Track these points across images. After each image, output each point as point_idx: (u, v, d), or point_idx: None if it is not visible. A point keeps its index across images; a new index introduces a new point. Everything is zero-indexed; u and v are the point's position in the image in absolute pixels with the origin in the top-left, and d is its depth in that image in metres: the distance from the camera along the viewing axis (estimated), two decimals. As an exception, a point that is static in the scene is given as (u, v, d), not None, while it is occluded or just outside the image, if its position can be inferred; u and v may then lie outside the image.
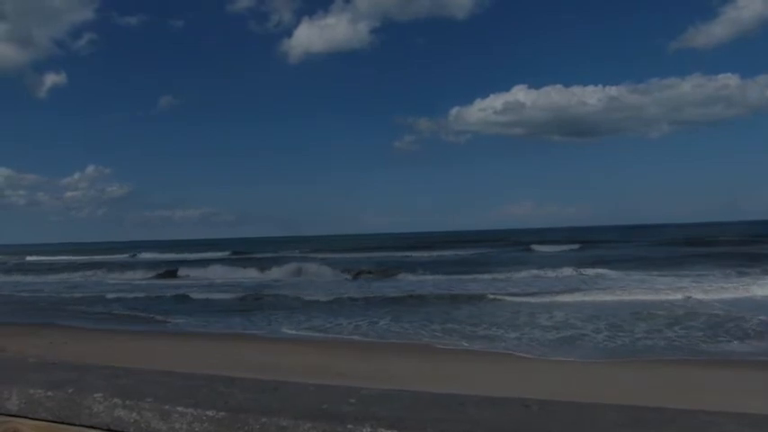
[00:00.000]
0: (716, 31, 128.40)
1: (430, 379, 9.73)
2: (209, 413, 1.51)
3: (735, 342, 13.57)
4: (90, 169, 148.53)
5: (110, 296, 25.54)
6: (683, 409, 1.41)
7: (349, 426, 1.37)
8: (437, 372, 11.10)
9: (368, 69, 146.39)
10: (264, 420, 1.44)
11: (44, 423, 1.73)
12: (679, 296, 19.86)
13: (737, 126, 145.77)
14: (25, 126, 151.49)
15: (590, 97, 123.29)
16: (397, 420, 1.37)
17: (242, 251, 66.88)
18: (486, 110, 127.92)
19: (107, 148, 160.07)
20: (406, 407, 1.49)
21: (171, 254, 65.32)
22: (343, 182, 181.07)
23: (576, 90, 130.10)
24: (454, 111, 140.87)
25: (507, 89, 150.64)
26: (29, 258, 66.92)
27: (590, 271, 30.59)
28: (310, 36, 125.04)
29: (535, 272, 30.74)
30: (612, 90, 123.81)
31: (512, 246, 61.36)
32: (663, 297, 19.86)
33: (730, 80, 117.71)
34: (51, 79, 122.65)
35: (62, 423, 1.71)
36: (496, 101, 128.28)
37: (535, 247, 54.83)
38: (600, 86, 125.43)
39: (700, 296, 19.73)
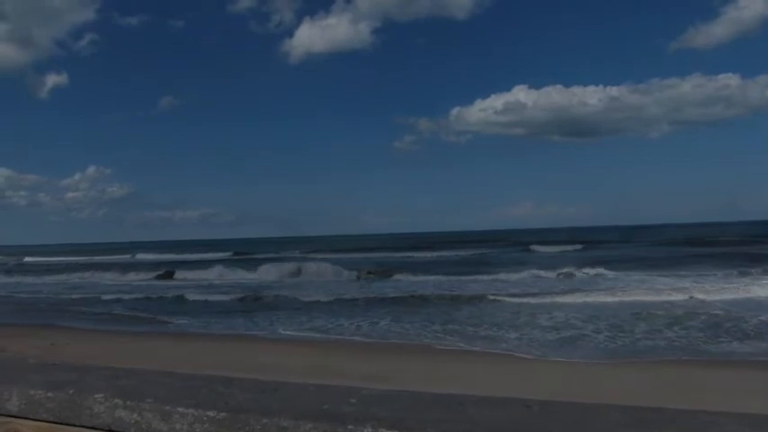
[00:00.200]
0: (716, 32, 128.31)
1: (430, 379, 9.72)
2: (210, 414, 1.51)
3: (738, 342, 13.56)
4: (91, 170, 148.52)
5: (107, 297, 25.49)
6: (684, 409, 1.41)
7: (350, 426, 1.37)
8: (438, 372, 11.09)
9: (368, 69, 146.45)
10: (265, 421, 1.44)
11: (45, 424, 1.73)
12: (680, 296, 19.83)
13: (738, 126, 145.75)
14: (26, 127, 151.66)
15: (590, 97, 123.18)
16: (397, 421, 1.37)
17: (243, 252, 66.84)
18: (486, 110, 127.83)
19: (108, 148, 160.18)
20: (407, 407, 1.49)
21: (171, 254, 65.30)
22: (343, 182, 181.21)
23: (577, 90, 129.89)
24: (455, 111, 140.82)
25: (508, 89, 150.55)
26: (27, 259, 66.92)
27: (590, 271, 30.57)
28: (311, 36, 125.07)
29: (535, 272, 30.71)
30: (613, 90, 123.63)
31: (512, 246, 61.32)
32: (664, 297, 19.83)
33: (731, 80, 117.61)
34: (52, 80, 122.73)
35: (63, 424, 1.71)
36: (497, 101, 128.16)
37: (535, 248, 54.80)
38: (600, 86, 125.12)
39: (701, 296, 19.71)
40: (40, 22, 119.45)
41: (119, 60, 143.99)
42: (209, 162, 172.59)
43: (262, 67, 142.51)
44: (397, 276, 33.06)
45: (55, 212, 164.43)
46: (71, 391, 1.73)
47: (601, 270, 30.65)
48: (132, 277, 38.30)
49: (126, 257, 64.45)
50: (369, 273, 34.67)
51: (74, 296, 27.25)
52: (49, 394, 1.74)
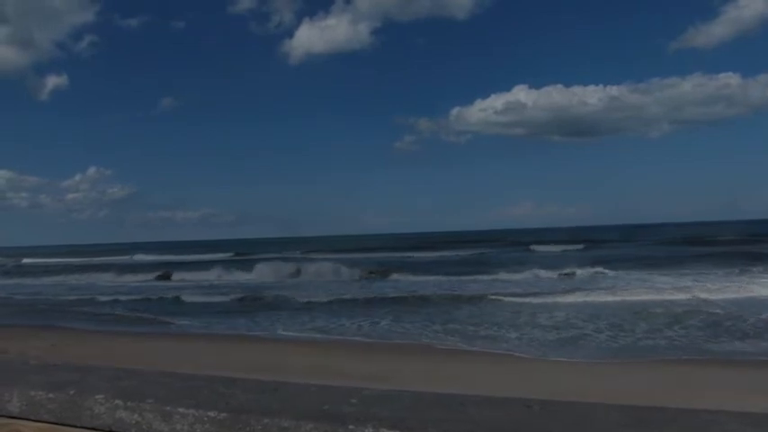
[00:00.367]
0: (716, 31, 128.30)
1: (431, 379, 9.73)
2: (211, 414, 1.51)
3: (741, 342, 13.53)
4: (91, 171, 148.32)
5: (104, 299, 25.44)
6: (685, 408, 1.41)
7: (350, 426, 1.37)
8: (438, 372, 11.10)
9: (368, 70, 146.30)
10: (266, 421, 1.44)
11: (45, 425, 1.73)
12: (683, 296, 19.78)
13: (738, 125, 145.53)
14: (27, 128, 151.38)
15: (591, 97, 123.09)
16: (398, 421, 1.38)
17: (243, 252, 66.78)
18: (486, 110, 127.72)
19: (108, 149, 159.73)
20: (408, 407, 1.49)
21: (171, 255, 65.28)
22: (343, 182, 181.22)
23: (577, 90, 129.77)
24: (455, 111, 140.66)
25: (508, 89, 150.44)
26: (25, 260, 66.89)
27: (591, 271, 30.55)
28: (311, 37, 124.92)
29: (536, 272, 30.68)
30: (613, 90, 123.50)
31: (512, 246, 61.29)
32: (666, 297, 19.78)
33: (731, 79, 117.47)
34: (52, 81, 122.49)
35: (63, 425, 1.71)
36: (497, 101, 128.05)
37: (535, 248, 54.78)
38: (600, 86, 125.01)
39: (704, 296, 19.66)
40: (40, 24, 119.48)
41: (119, 61, 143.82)
42: (210, 162, 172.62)
43: (262, 67, 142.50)
44: (398, 276, 33.06)
45: (56, 214, 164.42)
46: (72, 392, 1.73)
47: (601, 270, 30.63)
48: (129, 278, 38.18)
49: (124, 258, 64.36)
50: (371, 272, 34.68)
51: (71, 297, 27.19)
52: (50, 395, 1.74)
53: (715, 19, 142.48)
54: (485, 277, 30.01)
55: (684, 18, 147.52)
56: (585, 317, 16.98)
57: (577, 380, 10.23)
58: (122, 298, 25.35)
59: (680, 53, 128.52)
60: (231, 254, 65.71)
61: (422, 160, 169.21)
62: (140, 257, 65.43)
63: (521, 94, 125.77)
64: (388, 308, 20.36)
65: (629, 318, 16.56)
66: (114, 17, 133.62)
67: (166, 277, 38.36)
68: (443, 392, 1.63)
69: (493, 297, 21.52)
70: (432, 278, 30.94)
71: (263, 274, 36.71)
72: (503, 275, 30.46)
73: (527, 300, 20.72)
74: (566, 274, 29.68)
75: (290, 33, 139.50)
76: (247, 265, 40.17)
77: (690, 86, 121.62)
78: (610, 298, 20.40)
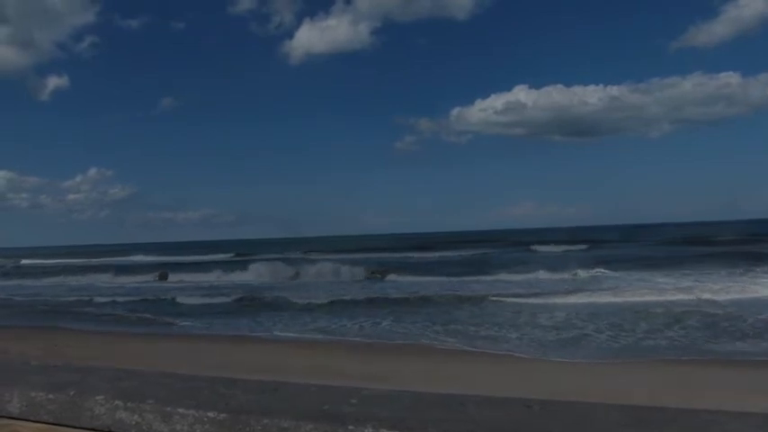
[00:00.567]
0: (717, 30, 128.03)
1: (431, 379, 9.73)
2: (211, 414, 1.51)
3: (746, 342, 13.50)
4: (92, 171, 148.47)
5: (101, 300, 25.43)
6: (685, 408, 1.41)
7: (350, 426, 1.37)
8: (438, 372, 11.10)
9: (369, 70, 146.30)
10: (266, 421, 1.44)
11: (45, 425, 1.73)
12: (685, 297, 19.72)
13: (738, 125, 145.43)
14: (27, 129, 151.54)
15: (591, 97, 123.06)
16: (398, 421, 1.38)
17: (244, 252, 66.75)
18: (486, 110, 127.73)
19: (109, 150, 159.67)
20: (408, 407, 1.49)
21: (170, 256, 65.26)
22: (343, 182, 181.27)
23: (577, 90, 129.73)
24: (455, 111, 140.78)
25: (508, 89, 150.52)
26: (24, 261, 66.88)
27: (593, 271, 30.53)
28: (311, 37, 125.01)
29: (537, 272, 30.65)
30: (613, 90, 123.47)
31: (512, 246, 61.27)
32: (669, 298, 19.70)
33: (732, 79, 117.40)
34: (53, 82, 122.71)
35: (63, 425, 1.71)
36: (497, 101, 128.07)
37: (536, 248, 54.77)
38: (601, 86, 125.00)
39: (707, 296, 19.60)
40: (41, 25, 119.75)
41: (119, 62, 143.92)
42: (210, 162, 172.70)
43: (262, 67, 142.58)
44: (399, 277, 33.05)
45: (57, 214, 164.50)
46: (72, 393, 1.73)
47: (603, 270, 30.61)
48: (124, 280, 38.04)
49: (123, 259, 64.31)
50: (373, 273, 34.67)
51: (66, 299, 27.12)
52: (50, 396, 1.74)
53: (715, 18, 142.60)
54: (486, 278, 30.01)
55: (685, 17, 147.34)
56: (589, 318, 16.97)
57: (578, 380, 10.22)
58: (117, 299, 25.25)
59: (680, 53, 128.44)
60: (232, 254, 65.66)
61: (422, 160, 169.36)
62: (138, 258, 65.40)
63: (521, 94, 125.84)
64: (388, 308, 20.36)
65: (632, 319, 16.54)
66: (115, 18, 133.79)
67: (163, 278, 38.31)
68: (443, 392, 1.63)
69: (494, 298, 21.51)
70: (433, 279, 30.93)
71: (263, 274, 36.71)
72: (504, 276, 30.45)
73: (528, 300, 20.71)
74: (568, 275, 29.65)
75: (290, 34, 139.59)
76: (247, 266, 40.15)
77: (690, 86, 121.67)
78: (612, 299, 20.36)
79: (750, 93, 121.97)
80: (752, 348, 12.91)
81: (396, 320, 17.94)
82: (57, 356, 11.63)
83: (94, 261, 60.87)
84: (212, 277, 36.31)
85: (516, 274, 30.64)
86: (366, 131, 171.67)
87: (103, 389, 1.74)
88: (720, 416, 1.36)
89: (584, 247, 52.55)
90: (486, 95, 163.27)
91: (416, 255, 52.28)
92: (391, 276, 33.34)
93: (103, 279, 38.81)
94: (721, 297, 19.40)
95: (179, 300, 24.64)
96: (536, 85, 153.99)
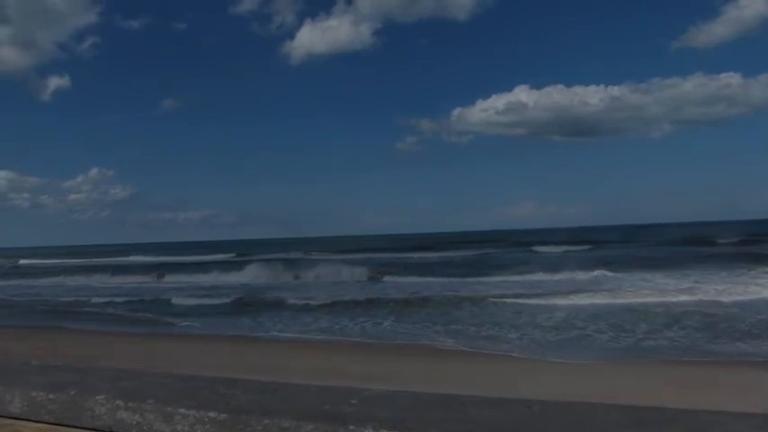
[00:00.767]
0: (717, 31, 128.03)
1: (432, 380, 9.72)
2: (211, 414, 1.51)
3: (748, 343, 13.46)
4: (93, 171, 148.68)
5: (97, 300, 25.39)
6: (686, 408, 1.41)
7: (351, 427, 1.37)
8: (439, 373, 11.09)
9: (370, 70, 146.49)
10: (266, 422, 1.44)
11: (46, 425, 1.73)
12: (688, 297, 19.66)
13: (739, 125, 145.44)
14: (28, 129, 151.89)
15: (592, 97, 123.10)
16: (399, 421, 1.38)
17: (245, 253, 66.71)
18: (487, 110, 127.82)
19: (110, 150, 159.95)
20: (408, 407, 1.49)
21: (171, 256, 65.26)
22: (344, 182, 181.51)
23: (578, 90, 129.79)
24: (456, 111, 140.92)
25: (509, 89, 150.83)
26: (22, 262, 66.88)
27: (595, 272, 30.47)
28: (312, 38, 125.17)
29: (538, 273, 30.61)
30: (614, 90, 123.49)
31: (513, 246, 61.24)
32: (671, 299, 19.65)
33: (732, 79, 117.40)
34: (55, 82, 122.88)
35: (64, 425, 1.71)
36: (498, 101, 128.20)
37: (537, 248, 54.73)
38: (602, 86, 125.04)
39: (710, 297, 19.55)
40: (42, 26, 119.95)
41: (121, 62, 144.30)
42: (211, 163, 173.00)
43: (263, 68, 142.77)
44: (400, 277, 33.02)
45: (57, 214, 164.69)
46: (73, 393, 1.73)
47: (605, 271, 30.54)
48: (119, 280, 37.89)
49: (121, 260, 64.27)
50: (373, 274, 34.65)
51: (67, 299, 27.08)
52: (51, 396, 1.74)
53: (716, 19, 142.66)
54: (487, 279, 29.98)
55: (685, 18, 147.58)
56: (588, 318, 16.96)
57: (578, 381, 10.21)
58: (114, 300, 25.18)
59: (681, 53, 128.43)
60: (233, 254, 65.60)
61: (423, 160, 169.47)
62: (137, 258, 65.35)
63: (522, 94, 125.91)
64: (389, 309, 20.35)
65: (634, 319, 16.52)
66: (116, 18, 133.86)
67: (159, 278, 38.25)
68: (444, 393, 1.63)
69: (495, 298, 21.50)
70: (433, 279, 30.90)
71: (263, 275, 36.69)
72: (505, 277, 30.41)
73: (529, 301, 20.68)
74: (569, 276, 29.61)
75: (291, 34, 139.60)
76: (248, 267, 40.12)
77: (691, 86, 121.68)
78: (613, 300, 20.30)
79: (751, 93, 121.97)
80: (759, 350, 12.86)
81: (396, 321, 17.94)
82: (57, 357, 11.64)
83: (93, 261, 60.85)
84: (213, 278, 36.28)
85: (517, 274, 30.61)
86: (367, 132, 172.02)
87: (104, 389, 1.74)
88: (722, 416, 1.36)
89: (584, 247, 52.52)
90: (487, 96, 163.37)
91: (417, 255, 52.26)
92: (391, 277, 33.32)
93: (101, 279, 38.67)
94: (724, 298, 19.35)
95: (179, 301, 24.55)
96: (537, 85, 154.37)
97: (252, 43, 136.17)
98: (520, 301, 20.82)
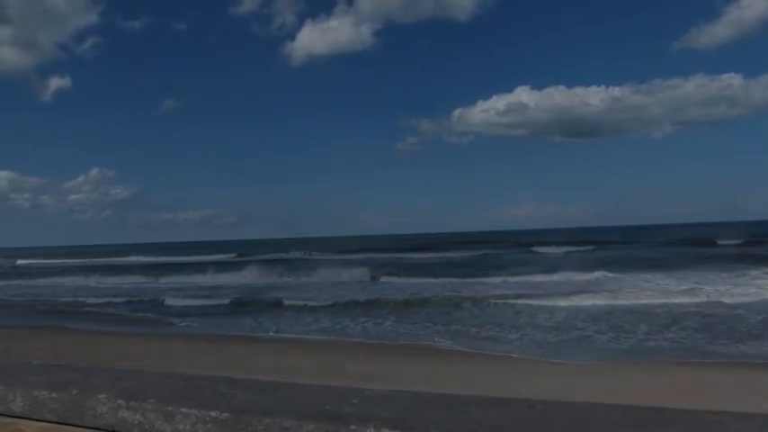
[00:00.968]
0: (719, 32, 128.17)
1: (433, 380, 9.72)
2: (213, 414, 1.51)
3: (751, 344, 13.43)
4: (94, 172, 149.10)
5: (91, 301, 25.39)
6: (686, 408, 1.41)
7: (352, 426, 1.37)
8: (440, 373, 11.09)
9: (371, 71, 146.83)
10: (267, 421, 1.44)
11: (48, 424, 1.74)
12: (688, 299, 19.61)
13: (739, 126, 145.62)
14: (30, 129, 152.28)
15: (593, 98, 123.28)
16: (400, 421, 1.38)
17: (245, 253, 66.67)
18: (488, 111, 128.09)
19: (111, 150, 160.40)
20: (409, 407, 1.49)
21: (170, 257, 65.25)
22: (345, 183, 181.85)
23: (579, 91, 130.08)
24: (457, 112, 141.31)
25: (510, 90, 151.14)
26: (20, 262, 66.87)
27: (595, 273, 30.43)
28: (313, 39, 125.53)
29: (538, 274, 30.58)
30: (615, 91, 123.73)
31: (514, 247, 61.20)
32: (673, 300, 19.59)
33: (734, 80, 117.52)
34: (56, 83, 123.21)
35: (66, 424, 1.71)
36: (499, 102, 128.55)
37: (538, 249, 54.72)
38: (603, 87, 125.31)
39: (712, 298, 19.51)
40: (43, 26, 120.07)
41: (121, 63, 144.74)
42: (212, 163, 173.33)
43: (263, 68, 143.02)
44: (401, 278, 33.00)
45: (58, 215, 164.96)
46: (74, 392, 1.74)
47: (606, 272, 30.51)
48: (114, 281, 37.80)
49: (119, 260, 64.24)
50: (374, 275, 34.64)
51: (65, 299, 27.07)
52: (53, 395, 1.74)
53: (717, 19, 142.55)
54: (487, 279, 29.95)
55: (686, 19, 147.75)
56: (589, 319, 16.95)
57: (579, 381, 10.20)
58: (95, 301, 25.20)
59: (682, 54, 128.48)
60: (233, 255, 65.56)
61: (423, 161, 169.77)
62: (135, 259, 65.29)
63: (523, 95, 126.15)
64: (389, 309, 20.36)
65: (636, 321, 16.50)
66: (117, 19, 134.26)
67: (156, 279, 38.22)
68: (445, 393, 1.63)
69: (495, 299, 21.49)
70: (434, 280, 30.88)
71: (263, 275, 36.70)
72: (505, 277, 30.38)
73: (529, 302, 20.67)
74: (570, 277, 29.58)
75: (292, 35, 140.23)
76: (248, 267, 40.11)
77: (692, 87, 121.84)
78: (615, 301, 20.25)
79: (752, 94, 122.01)
80: (757, 351, 12.84)
81: (397, 321, 17.94)
82: (58, 356, 11.65)
83: (93, 261, 60.84)
84: (213, 278, 36.30)
85: (517, 275, 30.58)
86: (367, 132, 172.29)
87: (105, 388, 1.75)
88: (723, 416, 1.36)
89: (585, 248, 52.50)
90: (487, 96, 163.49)
91: (417, 255, 52.25)
92: (392, 277, 33.32)
93: (99, 280, 38.56)
94: (725, 299, 19.32)
95: (178, 302, 24.49)
96: (538, 86, 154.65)
97: (252, 44, 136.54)
98: (520, 301, 20.80)
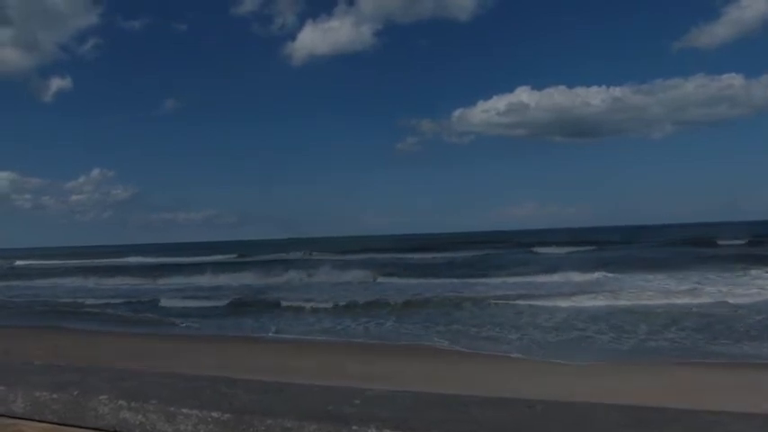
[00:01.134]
0: (719, 31, 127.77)
1: (434, 380, 9.72)
2: (214, 414, 1.51)
3: (751, 344, 13.40)
4: (95, 172, 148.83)
5: (90, 302, 25.37)
6: (686, 408, 1.42)
7: (354, 427, 1.37)
8: (441, 373, 11.09)
9: (371, 71, 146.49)
10: (269, 422, 1.45)
11: (50, 425, 1.74)
12: (687, 299, 19.58)
13: (740, 126, 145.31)
14: (31, 130, 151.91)
15: (593, 98, 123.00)
16: (401, 421, 1.38)
17: (246, 253, 66.63)
18: (488, 111, 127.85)
19: (112, 151, 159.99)
20: (411, 408, 1.50)
21: (169, 257, 65.20)
22: (345, 183, 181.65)
23: (580, 91, 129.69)
24: (457, 112, 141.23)
25: (510, 90, 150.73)
26: (18, 263, 66.84)
27: (595, 273, 30.39)
28: (314, 39, 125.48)
29: (539, 274, 30.56)
30: (616, 91, 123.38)
31: (514, 247, 61.17)
32: (672, 300, 19.56)
33: (734, 80, 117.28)
34: (56, 83, 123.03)
35: (68, 425, 1.72)
36: (499, 102, 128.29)
37: (538, 249, 54.71)
38: (603, 87, 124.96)
39: (712, 299, 19.47)
40: (44, 27, 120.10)
41: (122, 63, 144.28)
42: (212, 163, 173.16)
43: (264, 68, 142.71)
44: (401, 278, 33.00)
45: (59, 215, 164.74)
46: (76, 393, 1.74)
47: (606, 272, 30.48)
48: (111, 282, 37.74)
49: (118, 261, 64.17)
50: (378, 274, 34.64)
51: (59, 300, 27.05)
52: (54, 396, 1.75)
53: (717, 19, 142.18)
54: (488, 279, 29.94)
55: (687, 18, 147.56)
56: (590, 320, 16.94)
57: (580, 382, 10.20)
58: (92, 302, 25.16)
59: (683, 54, 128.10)
60: (234, 255, 65.50)
61: (423, 161, 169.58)
62: (134, 260, 65.23)
63: (523, 95, 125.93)
64: (390, 310, 20.36)
65: (636, 321, 16.49)
66: (117, 19, 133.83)
67: (154, 280, 38.18)
68: (446, 393, 1.64)
69: (496, 299, 21.48)
70: (434, 280, 30.87)
71: (263, 275, 36.69)
72: (506, 277, 30.36)
73: (530, 302, 20.66)
74: (571, 277, 29.54)
75: (292, 35, 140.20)
76: (246, 267, 40.06)
77: (693, 87, 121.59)
78: (616, 301, 20.24)
79: (752, 94, 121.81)
80: (757, 351, 12.83)
81: (397, 322, 17.94)
82: (58, 357, 11.65)
83: (92, 262, 60.74)
84: (213, 279, 36.28)
85: (517, 275, 30.57)
86: (367, 132, 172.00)
87: (106, 389, 1.75)
88: (723, 416, 1.37)
89: (585, 248, 52.48)
90: (488, 97, 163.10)
91: (417, 256, 52.25)
92: (392, 278, 33.31)
93: (98, 281, 38.47)
94: (726, 299, 19.30)
95: (178, 303, 24.49)
96: (538, 86, 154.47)
97: (253, 44, 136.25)
98: (521, 302, 20.79)
